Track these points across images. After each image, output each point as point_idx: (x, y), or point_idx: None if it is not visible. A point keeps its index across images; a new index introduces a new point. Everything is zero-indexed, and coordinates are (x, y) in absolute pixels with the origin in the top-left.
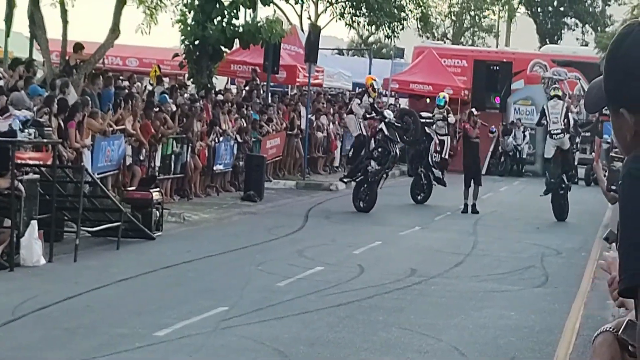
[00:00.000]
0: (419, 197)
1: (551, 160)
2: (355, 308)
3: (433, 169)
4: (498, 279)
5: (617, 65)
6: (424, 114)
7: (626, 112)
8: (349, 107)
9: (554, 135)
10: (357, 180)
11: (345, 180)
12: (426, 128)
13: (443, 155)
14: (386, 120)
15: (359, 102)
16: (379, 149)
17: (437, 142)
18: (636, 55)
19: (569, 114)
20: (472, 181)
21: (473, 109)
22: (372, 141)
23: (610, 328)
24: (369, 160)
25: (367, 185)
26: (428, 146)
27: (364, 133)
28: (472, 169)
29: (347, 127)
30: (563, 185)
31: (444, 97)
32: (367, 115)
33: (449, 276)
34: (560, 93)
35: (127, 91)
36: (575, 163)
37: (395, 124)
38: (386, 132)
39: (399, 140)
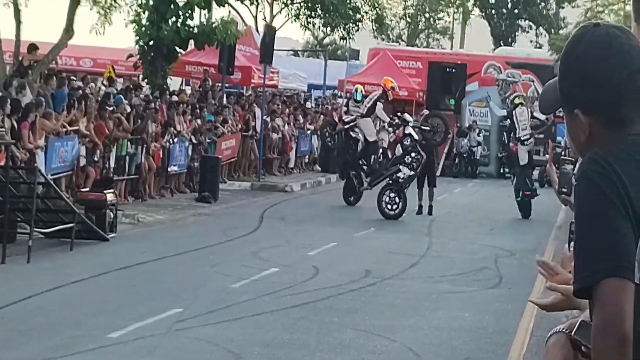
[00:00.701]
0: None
1: (526, 166)
2: (310, 309)
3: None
4: (452, 280)
5: (571, 67)
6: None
7: (580, 113)
8: (365, 110)
9: (525, 142)
10: (377, 184)
11: (369, 188)
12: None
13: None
14: (410, 124)
15: (382, 105)
16: (412, 154)
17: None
18: (590, 56)
19: (534, 114)
20: (427, 182)
21: (426, 111)
22: (399, 147)
23: (563, 329)
24: (397, 166)
25: (396, 192)
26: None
27: (380, 138)
28: (427, 170)
29: (361, 129)
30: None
31: (361, 91)
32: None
33: (403, 277)
34: (523, 100)
35: (81, 92)
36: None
37: (422, 127)
38: (415, 136)
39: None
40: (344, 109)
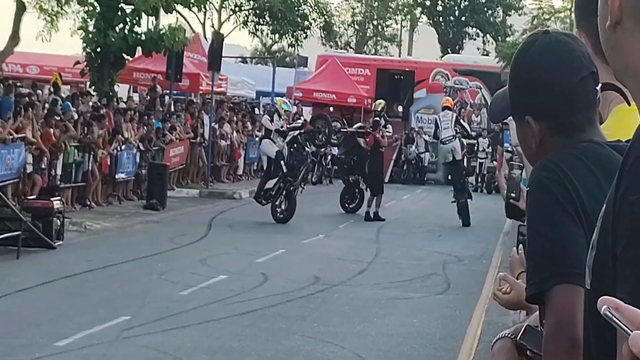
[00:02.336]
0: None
1: (450, 165)
2: (259, 316)
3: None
4: (400, 286)
5: (522, 73)
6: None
7: (532, 119)
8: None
9: (445, 142)
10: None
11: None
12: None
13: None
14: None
15: (269, 118)
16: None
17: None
18: (541, 62)
19: (461, 121)
20: (371, 189)
21: (377, 118)
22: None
23: (508, 334)
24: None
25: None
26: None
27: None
28: (376, 177)
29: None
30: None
31: (286, 103)
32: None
33: (352, 284)
34: (450, 105)
35: (27, 99)
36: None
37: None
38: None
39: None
40: (267, 117)
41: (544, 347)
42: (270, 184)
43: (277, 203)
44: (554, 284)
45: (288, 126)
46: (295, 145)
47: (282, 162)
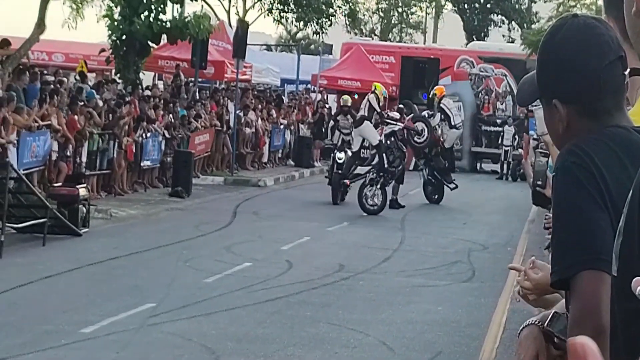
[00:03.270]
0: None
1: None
2: (283, 304)
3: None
4: (425, 274)
5: (550, 57)
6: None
7: (559, 103)
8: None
9: (458, 127)
10: None
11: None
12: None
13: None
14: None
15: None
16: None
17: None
18: (569, 46)
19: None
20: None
21: (401, 106)
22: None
23: (535, 321)
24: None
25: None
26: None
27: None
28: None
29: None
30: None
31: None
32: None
33: (376, 271)
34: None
35: (52, 86)
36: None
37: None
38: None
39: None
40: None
41: (569, 335)
42: (361, 170)
43: (368, 193)
44: (580, 270)
45: (388, 113)
46: (392, 139)
47: (384, 155)
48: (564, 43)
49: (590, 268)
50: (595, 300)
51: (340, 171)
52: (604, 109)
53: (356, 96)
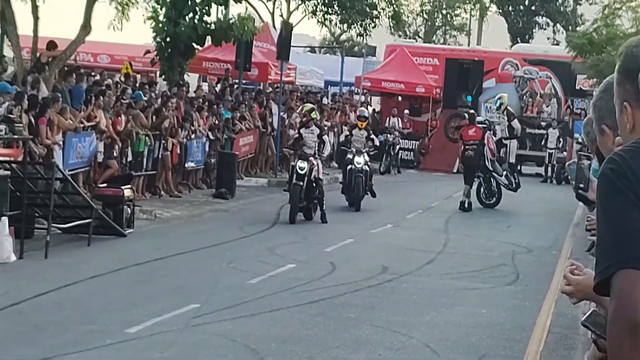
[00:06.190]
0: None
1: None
2: (327, 305)
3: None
4: (469, 276)
5: (624, 59)
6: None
7: (628, 105)
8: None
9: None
10: None
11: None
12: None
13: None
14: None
15: None
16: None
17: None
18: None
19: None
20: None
21: (471, 111)
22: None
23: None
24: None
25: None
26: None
27: None
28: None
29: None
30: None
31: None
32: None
33: (420, 274)
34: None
35: (98, 88)
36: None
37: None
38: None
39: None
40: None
41: (608, 333)
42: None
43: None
44: (616, 269)
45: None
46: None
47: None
48: (637, 48)
49: (626, 267)
50: (630, 298)
51: (301, 182)
52: None
53: (399, 98)
